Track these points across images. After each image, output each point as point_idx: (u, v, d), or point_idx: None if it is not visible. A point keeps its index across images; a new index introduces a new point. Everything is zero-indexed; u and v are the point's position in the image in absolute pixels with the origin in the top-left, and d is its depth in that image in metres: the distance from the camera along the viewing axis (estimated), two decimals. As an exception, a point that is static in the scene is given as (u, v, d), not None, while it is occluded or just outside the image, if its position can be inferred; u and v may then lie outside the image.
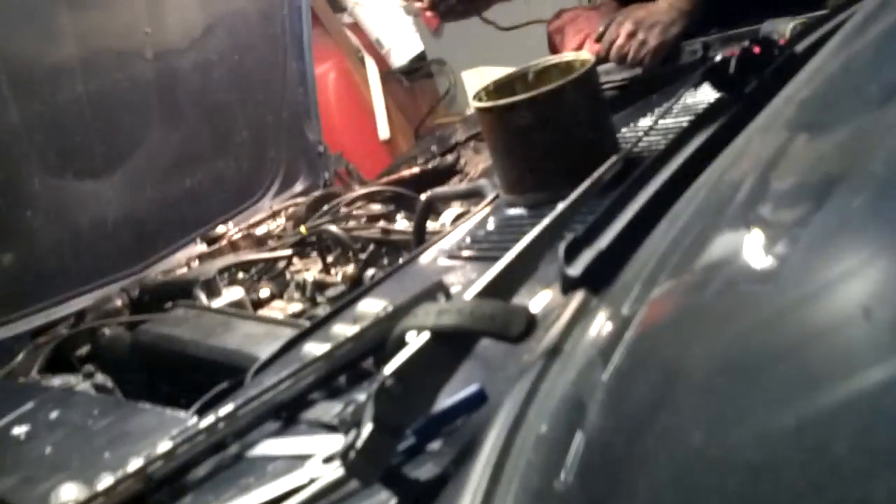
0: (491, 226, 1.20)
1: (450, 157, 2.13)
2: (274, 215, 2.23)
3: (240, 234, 2.14)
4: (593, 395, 0.53)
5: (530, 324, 0.63)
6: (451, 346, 0.67)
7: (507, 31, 2.04)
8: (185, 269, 1.96)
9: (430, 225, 1.58)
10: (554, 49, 1.89)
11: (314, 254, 1.86)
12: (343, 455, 0.63)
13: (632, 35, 1.58)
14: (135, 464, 0.80)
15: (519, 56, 1.54)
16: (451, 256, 1.13)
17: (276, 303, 1.73)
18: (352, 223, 1.89)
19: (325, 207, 2.02)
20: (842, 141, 0.57)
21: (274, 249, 1.92)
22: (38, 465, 1.03)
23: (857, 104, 0.62)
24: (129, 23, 2.16)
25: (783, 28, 1.41)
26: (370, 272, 1.63)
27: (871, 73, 0.65)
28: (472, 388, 0.69)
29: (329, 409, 0.80)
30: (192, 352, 1.33)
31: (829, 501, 0.33)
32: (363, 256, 1.68)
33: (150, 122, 2.29)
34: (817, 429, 0.36)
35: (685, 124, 0.96)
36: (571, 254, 0.74)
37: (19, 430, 1.14)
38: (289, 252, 1.85)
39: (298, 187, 2.53)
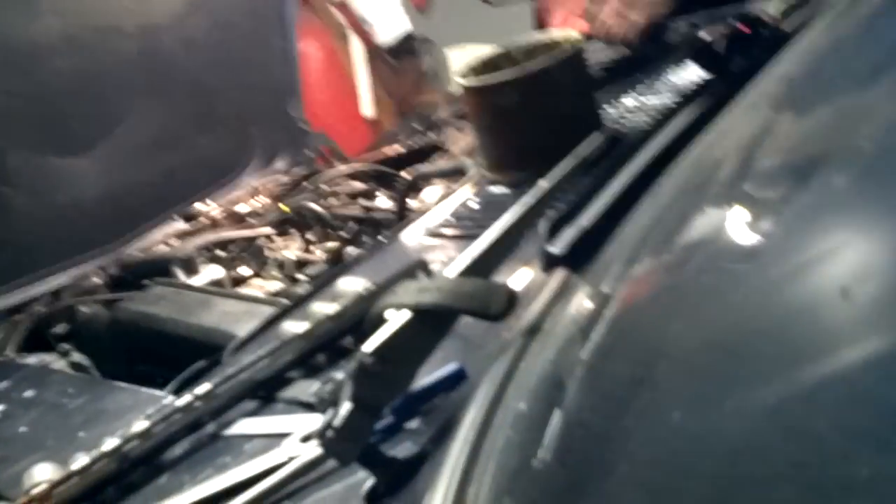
0: (473, 204, 1.19)
1: (433, 135, 2.12)
2: (254, 193, 2.22)
3: (220, 212, 2.12)
4: (573, 373, 0.52)
5: (511, 302, 0.62)
6: (430, 325, 0.66)
7: (495, 9, 2.03)
8: (164, 247, 1.94)
9: (412, 203, 1.57)
10: (541, 25, 1.88)
11: (294, 231, 1.85)
12: (321, 434, 0.62)
13: (616, 11, 1.57)
14: (110, 443, 0.79)
15: (506, 34, 1.53)
16: (433, 234, 1.13)
17: (256, 281, 1.72)
18: (333, 201, 1.87)
19: (306, 185, 2.01)
20: (826, 118, 0.57)
21: (254, 227, 1.91)
22: (13, 444, 1.02)
23: (844, 81, 0.62)
24: (110, -1, 2.14)
25: (771, 7, 1.40)
26: (350, 250, 1.62)
27: (858, 50, 0.64)
28: (451, 367, 0.69)
29: (307, 388, 0.79)
30: (170, 329, 1.32)
31: (810, 480, 0.33)
32: (344, 234, 1.67)
33: (132, 98, 2.26)
34: (798, 407, 0.35)
35: (669, 102, 0.95)
36: (553, 231, 0.73)
37: (-6, 409, 1.13)
38: (269, 230, 1.84)
39: (280, 165, 2.51)
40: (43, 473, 0.80)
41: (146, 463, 0.80)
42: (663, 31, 1.62)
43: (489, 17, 2.14)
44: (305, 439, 0.70)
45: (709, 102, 0.88)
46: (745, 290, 0.46)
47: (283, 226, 1.86)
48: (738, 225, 0.54)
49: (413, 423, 0.67)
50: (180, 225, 2.09)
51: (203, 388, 0.82)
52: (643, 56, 1.55)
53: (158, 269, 1.65)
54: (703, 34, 1.00)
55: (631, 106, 1.24)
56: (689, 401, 0.41)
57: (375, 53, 2.42)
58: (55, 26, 2.01)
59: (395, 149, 2.11)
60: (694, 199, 0.65)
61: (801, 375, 0.36)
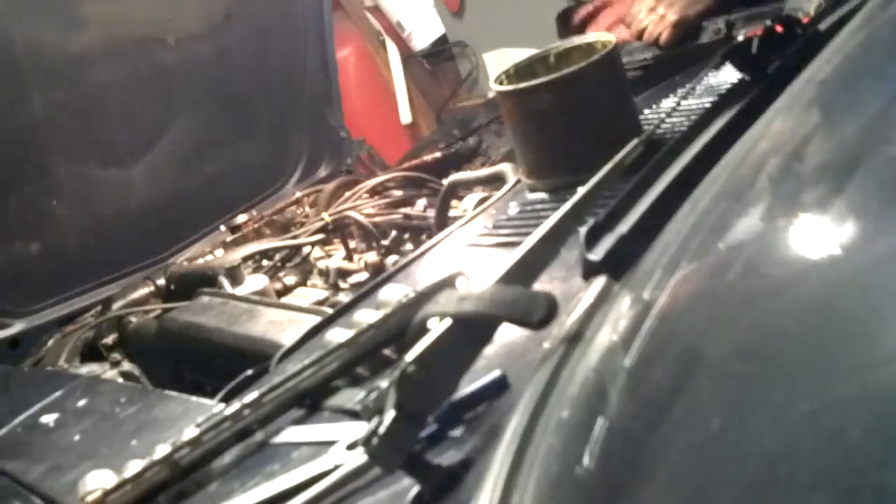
0: (512, 211, 1.19)
1: (471, 141, 2.13)
2: (297, 202, 2.24)
3: (263, 222, 2.15)
4: (615, 380, 0.53)
5: (551, 309, 0.63)
6: (472, 333, 0.67)
7: (527, 10, 2.03)
8: (209, 257, 1.97)
9: (452, 210, 1.58)
10: (572, 32, 1.88)
11: (337, 240, 1.87)
12: (366, 442, 0.63)
13: (652, 10, 1.57)
14: (161, 451, 0.80)
15: (541, 38, 1.53)
16: (473, 242, 1.13)
17: (300, 290, 1.74)
18: (373, 209, 1.89)
19: (348, 194, 2.03)
20: (865, 122, 0.57)
21: (297, 236, 1.93)
22: (67, 452, 1.04)
23: (881, 84, 0.61)
24: (150, 10, 2.17)
25: (807, 6, 1.39)
26: (392, 258, 1.64)
27: (894, 52, 0.64)
28: (493, 375, 0.69)
29: (352, 396, 0.80)
30: (217, 339, 1.34)
31: (844, 488, 0.33)
32: (385, 242, 1.69)
33: (173, 109, 2.30)
34: (834, 416, 0.35)
35: (708, 105, 0.95)
36: (592, 238, 0.73)
37: (48, 419, 1.15)
38: (312, 239, 1.86)
39: (321, 173, 2.54)
40: (96, 481, 0.82)
41: (197, 470, 0.82)
42: (699, 31, 1.62)
43: (524, 22, 2.14)
44: (351, 447, 0.71)
45: (746, 105, 0.88)
46: (784, 297, 0.47)
47: (325, 235, 1.89)
48: (778, 231, 0.55)
49: (457, 432, 0.68)
50: (226, 235, 2.12)
51: (251, 396, 0.83)
52: (679, 57, 1.55)
53: (205, 279, 1.68)
54: (740, 34, 0.99)
55: (669, 108, 1.24)
56: (729, 408, 0.42)
57: (411, 58, 2.43)
58: (99, 39, 2.05)
59: (434, 155, 2.12)
60: (734, 204, 0.65)
61: (837, 384, 0.36)
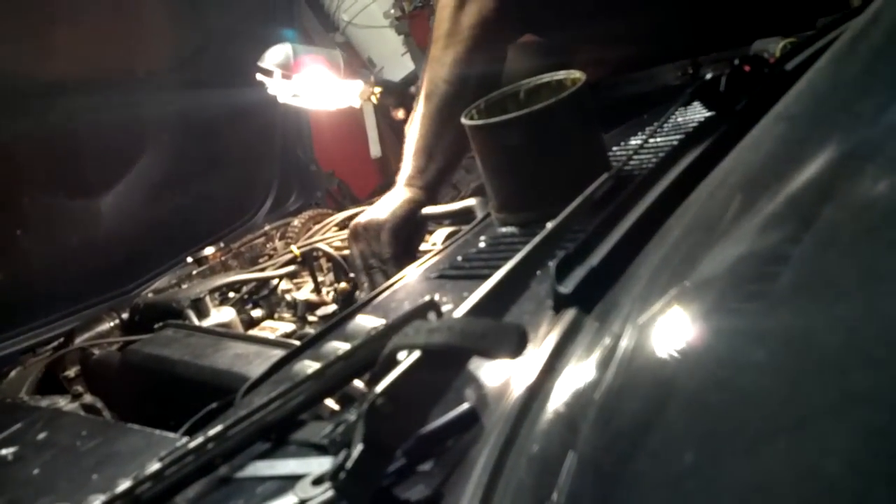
0: (482, 244, 1.19)
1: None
2: (266, 234, 2.23)
3: (231, 254, 2.13)
4: (585, 414, 0.53)
5: (522, 342, 0.62)
6: (442, 365, 0.66)
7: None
8: (176, 290, 1.95)
9: (423, 244, 1.58)
10: None
11: (305, 273, 1.86)
12: (333, 476, 0.62)
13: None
14: (123, 485, 0.79)
15: (510, 73, 1.54)
16: (443, 275, 1.13)
17: (267, 322, 1.73)
18: (342, 242, 1.88)
19: (317, 226, 2.02)
20: (831, 159, 0.57)
21: (265, 269, 1.92)
22: (26, 486, 1.02)
23: (848, 122, 0.62)
24: (121, 41, 2.17)
25: (773, 47, 1.42)
26: (361, 291, 1.63)
27: (861, 91, 0.65)
28: (463, 408, 0.69)
29: (319, 430, 0.79)
30: (182, 372, 1.33)
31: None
32: (353, 275, 1.68)
33: (143, 141, 2.29)
34: (811, 448, 0.35)
35: (676, 142, 0.96)
36: (563, 271, 0.74)
37: (7, 451, 1.13)
38: (280, 272, 1.85)
39: (291, 206, 2.53)
40: (56, 517, 0.80)
41: (159, 506, 0.80)
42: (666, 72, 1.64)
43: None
44: (318, 482, 0.70)
45: (714, 142, 0.89)
46: (755, 329, 0.47)
47: (294, 267, 1.88)
48: (746, 264, 0.55)
49: (426, 466, 0.67)
50: (192, 267, 2.10)
51: (215, 430, 0.82)
52: (649, 96, 1.57)
53: (170, 311, 1.66)
54: (706, 73, 1.01)
55: (637, 145, 1.25)
56: (702, 441, 0.42)
57: (386, 88, 2.45)
58: (68, 69, 2.04)
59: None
60: (703, 238, 0.65)
61: (813, 417, 0.36)
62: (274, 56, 2.05)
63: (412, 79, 3.30)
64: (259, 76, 2.07)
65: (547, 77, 1.27)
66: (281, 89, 2.07)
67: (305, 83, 2.06)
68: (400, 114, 2.49)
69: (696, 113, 1.28)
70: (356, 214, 2.00)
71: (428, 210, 1.55)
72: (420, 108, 1.57)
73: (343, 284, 1.68)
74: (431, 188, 1.55)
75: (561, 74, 1.25)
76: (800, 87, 0.74)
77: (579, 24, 1.78)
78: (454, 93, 1.51)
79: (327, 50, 2.16)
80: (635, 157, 1.18)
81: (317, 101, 2.13)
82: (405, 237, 1.50)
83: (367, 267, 1.49)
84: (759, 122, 0.74)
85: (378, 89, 2.24)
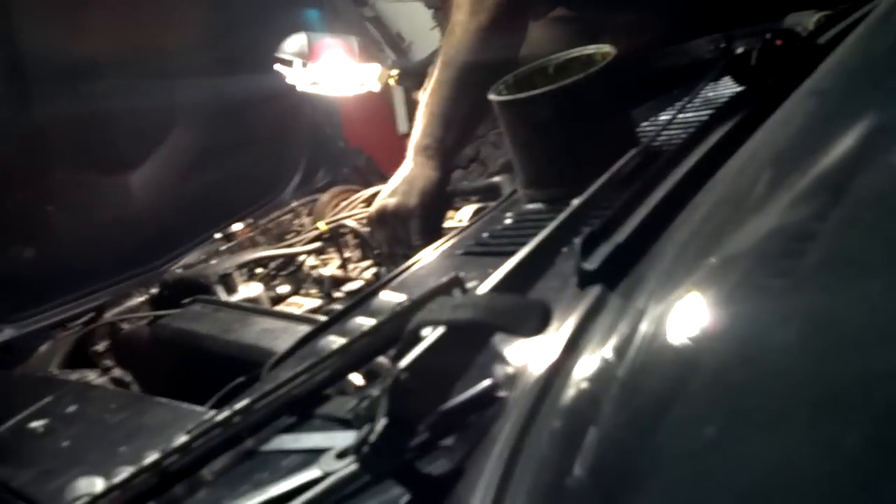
0: (509, 220, 1.19)
1: (469, 151, 2.12)
2: (293, 211, 2.24)
3: (259, 230, 2.14)
4: (608, 390, 0.52)
5: (545, 318, 0.62)
6: (465, 341, 0.66)
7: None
8: (204, 265, 1.97)
9: (448, 221, 1.57)
10: None
11: (332, 249, 1.86)
12: (357, 450, 0.63)
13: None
14: (150, 457, 0.79)
15: (540, 49, 1.53)
16: (468, 251, 1.13)
17: (294, 298, 1.73)
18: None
19: (344, 203, 2.03)
20: (862, 134, 0.56)
21: (292, 245, 1.92)
22: (56, 458, 1.04)
23: (879, 97, 0.61)
24: (152, 18, 2.17)
25: (806, 21, 1.39)
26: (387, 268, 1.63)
27: (892, 67, 0.64)
28: (485, 383, 0.69)
29: (343, 404, 0.80)
30: (210, 347, 1.34)
31: (843, 495, 0.32)
32: (381, 252, 1.68)
33: (173, 118, 2.30)
34: (831, 423, 0.35)
35: (705, 118, 0.95)
36: (588, 248, 0.73)
37: (37, 424, 1.15)
38: (308, 248, 1.86)
39: (318, 183, 2.54)
40: (84, 487, 0.81)
41: (186, 477, 0.81)
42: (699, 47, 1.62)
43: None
44: (342, 455, 0.70)
45: (744, 118, 0.88)
46: (780, 306, 0.46)
47: (321, 244, 1.88)
48: (774, 242, 0.54)
49: (448, 440, 0.67)
50: (220, 243, 2.11)
51: (241, 403, 0.82)
52: (679, 70, 1.55)
53: (199, 287, 1.67)
54: (738, 48, 0.99)
55: (666, 120, 1.24)
56: (723, 416, 0.41)
57: (404, 71, 2.44)
58: (100, 46, 2.05)
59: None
60: (730, 215, 0.64)
61: (833, 391, 0.36)
62: (290, 45, 2.05)
63: (430, 61, 3.28)
64: (277, 66, 2.06)
65: (576, 52, 1.26)
66: (299, 78, 2.06)
67: (323, 70, 2.05)
68: (420, 94, 2.47)
69: (727, 88, 1.26)
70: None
71: (455, 186, 1.54)
72: (437, 74, 1.53)
73: (368, 263, 1.68)
74: (448, 158, 1.51)
75: (591, 49, 1.24)
76: (831, 62, 0.73)
77: (610, -1, 1.76)
78: (476, 61, 1.47)
79: (343, 35, 2.14)
80: (664, 132, 1.17)
81: (335, 87, 2.12)
82: (435, 221, 1.48)
83: (393, 254, 1.47)
84: (789, 98, 0.73)
85: (396, 72, 2.23)
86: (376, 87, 2.18)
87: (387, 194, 1.49)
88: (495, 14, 1.49)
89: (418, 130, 1.51)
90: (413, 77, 2.36)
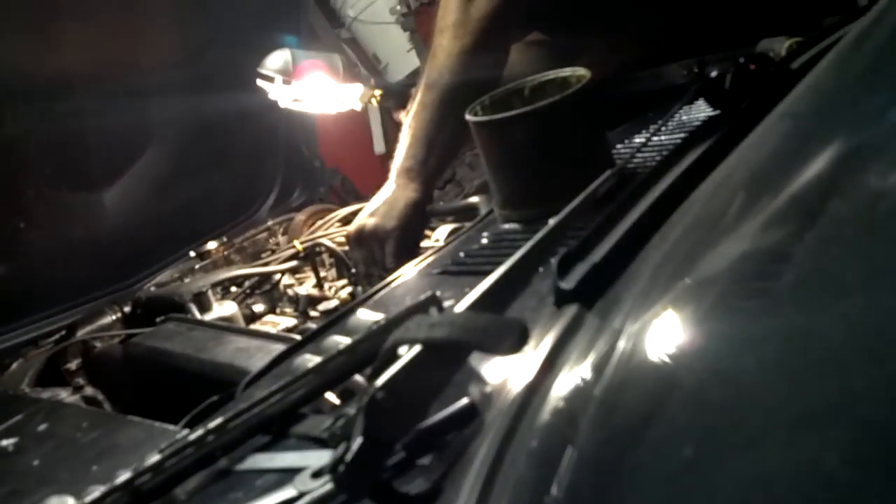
0: (484, 240, 1.19)
1: (445, 172, 2.13)
2: (269, 230, 2.23)
3: (234, 249, 2.13)
4: (585, 409, 0.52)
5: (522, 337, 0.62)
6: (442, 359, 0.66)
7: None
8: (178, 283, 1.95)
9: (425, 241, 1.57)
10: None
11: (308, 268, 1.86)
12: (332, 469, 0.62)
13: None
14: (122, 477, 0.79)
15: (516, 71, 1.54)
16: (445, 271, 1.13)
17: (269, 317, 1.73)
18: (346, 237, 1.88)
19: (320, 222, 2.02)
20: (835, 156, 0.57)
21: (268, 264, 1.92)
22: (26, 477, 1.02)
23: (851, 120, 0.62)
24: (127, 35, 2.16)
25: (779, 46, 1.41)
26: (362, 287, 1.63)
27: (865, 90, 0.65)
28: (462, 402, 0.69)
29: (319, 423, 0.79)
30: (183, 365, 1.33)
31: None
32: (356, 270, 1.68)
33: (148, 135, 2.29)
34: (809, 442, 0.35)
35: (680, 140, 0.96)
36: (565, 267, 0.73)
37: (7, 442, 1.13)
38: (283, 266, 1.85)
39: (294, 201, 2.53)
40: (55, 507, 0.80)
41: (158, 497, 0.80)
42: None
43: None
44: (317, 475, 0.70)
45: (718, 140, 0.89)
46: (755, 326, 0.47)
47: (297, 262, 1.88)
48: (748, 262, 0.55)
49: (425, 460, 0.67)
50: (195, 262, 2.10)
51: (215, 422, 0.82)
52: (654, 93, 1.57)
53: (172, 305, 1.66)
54: (711, 72, 1.01)
55: (641, 142, 1.25)
56: (701, 436, 0.41)
57: (386, 90, 2.45)
58: (74, 62, 2.04)
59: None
60: (705, 236, 0.65)
61: (811, 410, 0.36)
62: (273, 62, 2.05)
63: (412, 82, 3.30)
64: (259, 82, 2.06)
65: (552, 74, 1.27)
66: (281, 95, 2.06)
67: (306, 88, 2.05)
68: (402, 116, 2.48)
69: (701, 111, 1.28)
70: (359, 210, 2.00)
71: (432, 206, 1.54)
72: (420, 97, 1.54)
73: (344, 282, 1.68)
74: (430, 180, 1.52)
75: (566, 72, 1.25)
76: (804, 85, 0.74)
77: (585, 23, 1.77)
78: (458, 84, 1.49)
79: (326, 54, 2.15)
80: (639, 154, 1.18)
81: (318, 105, 2.12)
82: (411, 243, 1.48)
83: (369, 274, 1.47)
84: (763, 121, 0.74)
85: (378, 92, 2.24)
86: (358, 106, 2.19)
87: (366, 214, 1.49)
88: (478, 38, 1.50)
89: (401, 153, 1.52)
90: (394, 97, 2.37)
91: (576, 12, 1.74)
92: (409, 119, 1.55)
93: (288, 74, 2.00)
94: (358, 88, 2.12)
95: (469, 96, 1.28)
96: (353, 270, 1.60)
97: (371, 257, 1.47)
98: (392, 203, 1.48)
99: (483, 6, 1.51)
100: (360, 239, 1.49)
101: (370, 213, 1.50)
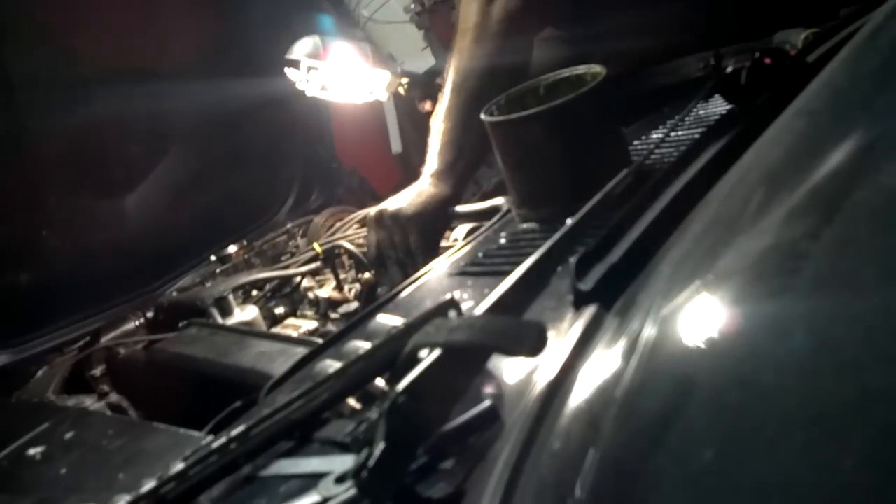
0: (503, 240, 1.19)
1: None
2: (288, 232, 2.24)
3: (254, 252, 2.14)
4: (606, 411, 0.53)
5: (542, 339, 0.62)
6: (462, 363, 0.66)
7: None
8: (200, 288, 1.96)
9: (443, 241, 1.57)
10: None
11: (328, 271, 1.86)
12: (355, 474, 0.62)
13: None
14: (148, 485, 0.79)
15: (532, 70, 1.53)
16: (464, 272, 1.13)
17: (290, 320, 1.73)
18: (364, 239, 1.89)
19: (339, 224, 2.03)
20: (853, 152, 0.57)
21: (287, 267, 1.92)
22: (53, 485, 1.03)
23: (869, 115, 0.62)
24: (144, 40, 2.18)
25: (795, 39, 1.41)
26: (383, 289, 1.63)
27: (880, 85, 0.64)
28: (483, 405, 0.69)
29: (342, 428, 0.80)
30: (206, 370, 1.34)
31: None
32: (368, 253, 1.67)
33: (166, 140, 2.30)
34: (829, 444, 0.35)
35: (697, 136, 0.95)
36: (583, 268, 0.73)
37: (34, 451, 1.14)
38: (303, 269, 1.86)
39: (312, 204, 2.54)
40: (83, 515, 0.81)
41: (184, 504, 0.81)
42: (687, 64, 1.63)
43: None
44: (340, 480, 0.70)
45: (735, 136, 0.89)
46: (775, 326, 0.46)
47: (316, 265, 1.88)
48: (768, 260, 0.54)
49: (447, 463, 0.67)
50: (215, 266, 2.11)
51: (239, 429, 0.82)
52: (670, 89, 1.56)
53: (194, 310, 1.67)
54: (728, 66, 1.00)
55: (658, 139, 1.24)
56: (722, 438, 0.41)
57: (408, 86, 2.45)
58: (91, 70, 2.06)
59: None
60: (724, 234, 0.65)
61: (831, 413, 0.36)
62: (302, 47, 2.04)
63: (436, 71, 3.30)
64: (287, 70, 2.05)
65: (567, 72, 1.27)
66: (308, 82, 2.05)
67: (334, 73, 2.04)
68: (427, 105, 2.47)
69: (718, 106, 1.27)
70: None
71: (454, 209, 1.54)
72: (446, 101, 1.54)
73: (367, 275, 1.68)
74: (460, 184, 1.53)
75: (581, 69, 1.25)
76: (820, 81, 0.73)
77: (600, 18, 1.77)
78: (484, 86, 1.48)
79: (356, 41, 2.15)
80: (656, 151, 1.17)
81: (344, 93, 2.11)
82: (432, 234, 1.48)
83: (384, 257, 1.47)
84: (779, 117, 0.74)
85: (406, 80, 2.23)
86: (384, 97, 2.18)
87: (391, 200, 1.51)
88: (499, 39, 1.51)
89: (432, 157, 1.53)
90: (420, 87, 2.36)
91: (589, 7, 1.73)
92: (436, 122, 1.55)
93: (317, 58, 1.99)
94: (385, 76, 2.11)
95: (495, 98, 1.28)
96: (367, 259, 1.59)
97: (389, 240, 1.46)
98: (419, 192, 1.49)
99: (504, 7, 1.52)
100: (380, 221, 1.48)
101: (397, 198, 1.50)
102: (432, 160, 1.53)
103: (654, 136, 1.35)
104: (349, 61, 2.04)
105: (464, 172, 1.53)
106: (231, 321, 1.63)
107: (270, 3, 2.46)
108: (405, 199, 1.48)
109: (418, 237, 1.44)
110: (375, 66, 2.10)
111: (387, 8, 3.30)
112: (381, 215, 1.48)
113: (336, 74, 2.05)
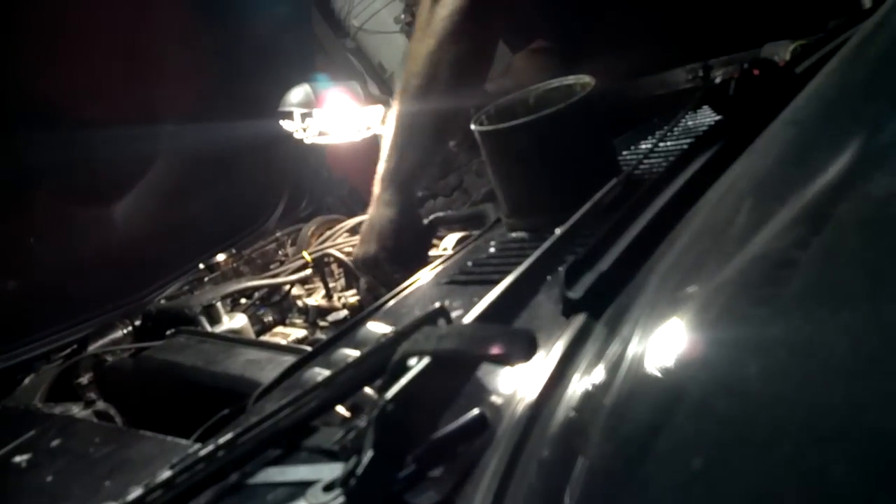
0: (492, 249, 1.19)
1: (452, 180, 2.13)
2: (277, 241, 2.24)
3: (243, 260, 2.14)
4: (595, 419, 0.53)
5: (531, 347, 0.62)
6: (451, 371, 0.66)
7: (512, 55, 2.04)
8: (188, 296, 1.96)
9: (433, 250, 1.58)
10: None
11: (317, 279, 1.86)
12: (344, 482, 0.62)
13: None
14: (135, 493, 0.79)
15: (521, 79, 1.54)
16: (453, 281, 1.13)
17: (279, 328, 1.73)
18: (354, 248, 1.88)
19: (328, 233, 2.03)
20: (840, 163, 0.57)
21: (277, 275, 1.92)
22: (39, 493, 1.03)
23: (857, 126, 0.62)
24: (135, 48, 2.18)
25: (783, 50, 1.42)
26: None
27: (870, 95, 0.65)
28: (472, 414, 0.69)
29: (330, 436, 0.79)
30: (194, 378, 1.33)
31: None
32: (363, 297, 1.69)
33: (155, 148, 2.30)
34: (816, 452, 0.35)
35: (685, 147, 0.96)
36: (572, 277, 0.74)
37: (21, 458, 1.14)
38: (292, 278, 1.85)
39: (302, 212, 2.54)
40: (69, 524, 0.80)
41: (171, 513, 0.80)
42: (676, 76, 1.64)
43: (503, 62, 2.15)
44: (328, 488, 0.70)
45: (723, 147, 0.89)
46: (763, 334, 0.47)
47: (305, 273, 1.88)
48: (756, 270, 0.55)
49: (436, 472, 0.67)
50: (204, 274, 2.11)
51: (226, 436, 0.82)
52: (659, 100, 1.57)
53: (182, 317, 1.67)
54: (716, 77, 1.01)
55: (647, 149, 1.25)
56: (710, 447, 0.42)
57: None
58: (83, 75, 2.06)
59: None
60: (711, 244, 0.65)
61: (818, 420, 0.36)
62: (294, 97, 2.04)
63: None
64: (282, 122, 2.06)
65: (556, 82, 1.27)
66: (305, 131, 2.06)
67: (328, 118, 2.05)
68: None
69: (706, 117, 1.28)
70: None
71: (439, 215, 1.55)
72: (395, 105, 1.54)
73: (353, 299, 1.69)
74: (404, 187, 1.52)
75: (570, 79, 1.25)
76: (808, 91, 0.74)
77: (590, 29, 1.78)
78: (424, 87, 1.48)
79: (345, 82, 2.15)
80: (645, 161, 1.18)
81: (342, 134, 2.12)
82: (406, 257, 1.49)
83: (377, 297, 1.49)
84: (767, 127, 0.74)
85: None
86: (380, 130, 2.18)
87: (358, 244, 1.56)
88: (441, 37, 1.47)
89: (381, 165, 1.54)
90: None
91: (578, 18, 1.74)
92: (384, 129, 1.57)
93: (310, 106, 2.00)
94: (379, 111, 2.12)
95: (436, 97, 1.27)
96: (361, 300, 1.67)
97: (374, 281, 1.53)
98: (371, 225, 1.52)
99: (447, 6, 1.49)
100: (359, 269, 1.56)
101: (359, 241, 1.56)
102: (379, 167, 1.54)
103: (643, 146, 1.36)
104: (342, 103, 2.04)
105: (408, 175, 1.53)
106: (219, 329, 1.63)
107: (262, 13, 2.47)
108: (366, 239, 1.52)
109: (393, 268, 1.48)
110: (369, 101, 2.10)
111: (377, 18, 3.31)
112: (356, 264, 1.55)
113: (331, 119, 2.05)
